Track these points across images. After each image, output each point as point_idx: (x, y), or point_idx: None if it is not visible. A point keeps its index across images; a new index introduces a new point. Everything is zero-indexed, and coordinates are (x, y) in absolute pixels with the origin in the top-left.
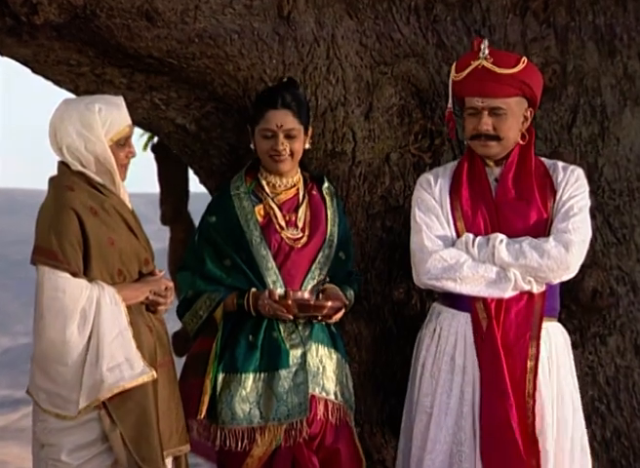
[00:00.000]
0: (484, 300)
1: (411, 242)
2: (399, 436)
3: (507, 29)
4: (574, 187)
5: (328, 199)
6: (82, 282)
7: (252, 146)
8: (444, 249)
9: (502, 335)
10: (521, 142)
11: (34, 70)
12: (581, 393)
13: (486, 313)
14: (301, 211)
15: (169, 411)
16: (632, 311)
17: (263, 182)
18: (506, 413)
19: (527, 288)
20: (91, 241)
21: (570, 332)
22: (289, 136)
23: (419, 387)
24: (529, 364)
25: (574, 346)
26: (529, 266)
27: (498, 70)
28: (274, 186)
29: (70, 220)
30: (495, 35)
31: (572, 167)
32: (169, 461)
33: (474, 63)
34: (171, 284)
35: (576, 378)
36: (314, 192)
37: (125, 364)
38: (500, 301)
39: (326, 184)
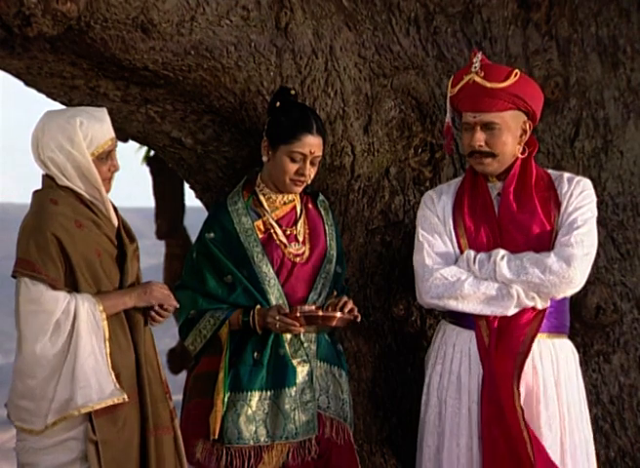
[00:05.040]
0: (487, 318)
1: (413, 260)
2: (399, 456)
3: (509, 41)
4: (579, 199)
5: (324, 212)
6: (59, 294)
7: (264, 158)
8: (445, 267)
9: (501, 353)
10: (520, 156)
11: (27, 83)
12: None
13: (489, 330)
14: (300, 224)
15: None
16: (637, 328)
17: (261, 197)
18: (507, 430)
19: (531, 304)
20: (74, 257)
21: None
22: (312, 163)
23: (426, 407)
24: (515, 372)
25: None
26: (530, 282)
27: (488, 85)
28: (273, 201)
29: (51, 240)
30: (496, 47)
31: (578, 178)
32: None
33: (466, 78)
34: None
35: (584, 397)
36: (310, 205)
37: (95, 384)
38: (503, 318)
39: (320, 197)
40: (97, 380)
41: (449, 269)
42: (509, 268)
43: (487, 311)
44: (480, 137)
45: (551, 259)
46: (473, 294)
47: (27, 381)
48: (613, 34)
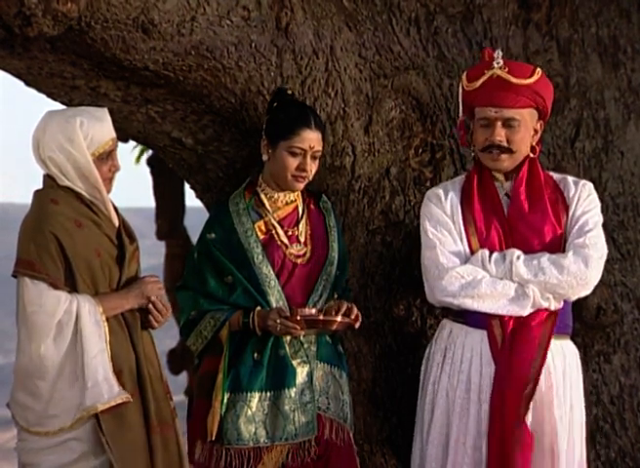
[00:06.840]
0: (500, 317)
1: (423, 258)
2: (399, 456)
3: (509, 41)
4: (586, 202)
5: (325, 214)
6: (60, 294)
7: (264, 157)
8: (460, 265)
9: (516, 353)
10: (531, 155)
11: (27, 83)
12: (585, 412)
13: (502, 330)
14: (302, 225)
15: None
16: (637, 328)
17: (263, 197)
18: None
19: (545, 304)
20: (74, 258)
21: None
22: (313, 158)
23: (432, 406)
24: (532, 370)
25: None
26: (548, 282)
27: (514, 80)
28: (274, 201)
29: (50, 239)
30: (496, 47)
31: (582, 181)
32: None
33: (488, 73)
34: (160, 286)
35: (583, 399)
36: (312, 206)
37: (105, 384)
38: (517, 319)
39: (323, 199)
40: (105, 380)
41: (464, 268)
42: (527, 268)
43: (503, 311)
44: (501, 133)
45: (569, 260)
46: (490, 294)
47: (37, 382)
48: (613, 34)
